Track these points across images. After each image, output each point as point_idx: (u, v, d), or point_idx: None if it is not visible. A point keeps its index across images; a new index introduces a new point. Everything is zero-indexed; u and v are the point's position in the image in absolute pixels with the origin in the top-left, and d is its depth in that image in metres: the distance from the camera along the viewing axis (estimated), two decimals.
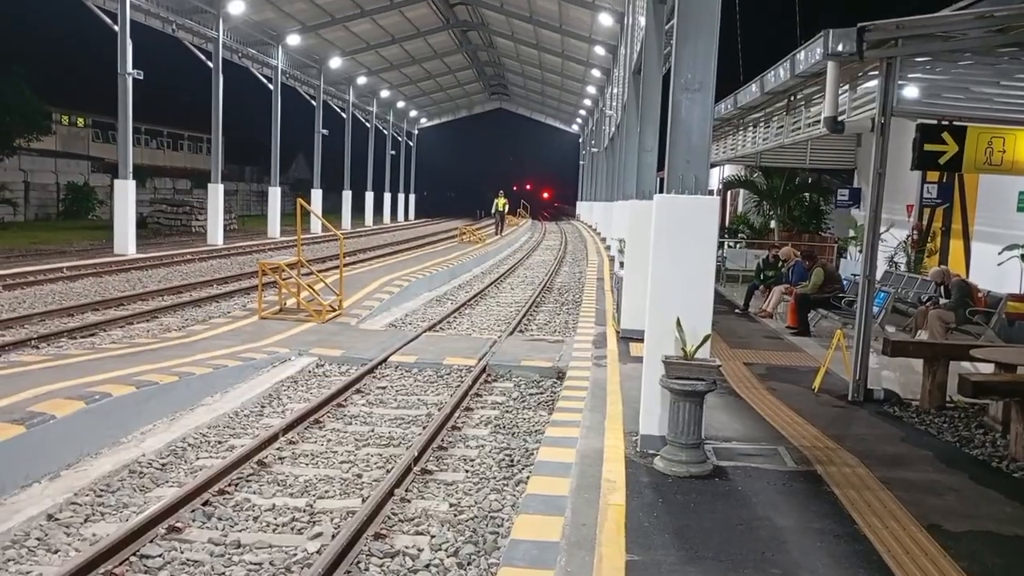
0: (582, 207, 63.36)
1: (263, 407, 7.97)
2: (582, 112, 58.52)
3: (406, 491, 5.83)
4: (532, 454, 6.59)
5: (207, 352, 9.26)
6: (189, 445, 6.80)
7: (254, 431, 7.23)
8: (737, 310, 13.82)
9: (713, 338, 5.87)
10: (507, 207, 34.28)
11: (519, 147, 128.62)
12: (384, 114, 52.03)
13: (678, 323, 5.73)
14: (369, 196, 48.50)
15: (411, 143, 61.82)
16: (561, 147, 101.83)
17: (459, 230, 32.68)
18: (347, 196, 42.61)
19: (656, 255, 5.90)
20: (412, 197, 61.99)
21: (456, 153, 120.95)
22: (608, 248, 27.41)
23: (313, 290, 12.59)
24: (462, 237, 31.07)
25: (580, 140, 69.85)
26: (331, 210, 45.28)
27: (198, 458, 6.51)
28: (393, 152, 53.80)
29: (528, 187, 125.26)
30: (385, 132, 53.14)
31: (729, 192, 28.31)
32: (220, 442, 6.90)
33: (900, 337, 9.52)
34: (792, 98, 12.41)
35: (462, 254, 23.72)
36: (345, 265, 18.83)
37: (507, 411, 8.04)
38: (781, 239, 19.50)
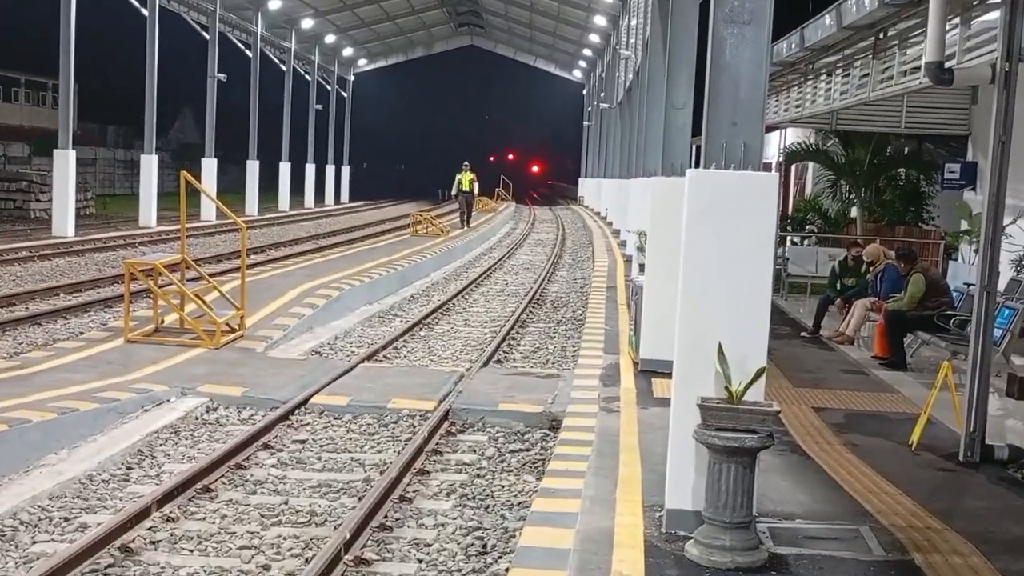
0: (586, 186, 63.74)
1: (130, 469, 7.92)
2: (587, 52, 58.83)
3: None
4: (513, 536, 6.59)
5: (50, 390, 9.18)
6: (22, 523, 6.73)
7: (116, 503, 7.16)
8: (804, 333, 13.92)
9: (770, 373, 5.89)
10: (476, 185, 33.84)
11: (498, 101, 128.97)
12: (307, 52, 52.11)
13: (720, 351, 5.75)
14: (284, 169, 48.57)
15: (345, 93, 61.96)
16: (557, 101, 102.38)
17: (412, 218, 32.74)
18: (253, 168, 42.59)
19: (689, 255, 5.93)
20: (346, 170, 62.15)
21: (409, 109, 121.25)
22: (623, 245, 27.56)
23: (203, 302, 12.56)
24: (416, 228, 31.17)
25: (584, 92, 70.33)
26: (231, 188, 45.25)
27: (35, 542, 6.45)
28: (319, 106, 53.90)
29: (510, 157, 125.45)
30: (308, 78, 53.15)
31: (793, 167, 28.53)
32: (67, 519, 6.85)
33: None
34: (881, 35, 12.55)
35: (416, 251, 23.82)
36: (251, 267, 18.77)
37: (478, 475, 8.05)
38: (866, 233, 19.67)
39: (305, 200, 52.82)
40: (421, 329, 15.02)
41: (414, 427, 9.23)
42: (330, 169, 58.81)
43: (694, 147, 13.66)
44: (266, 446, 8.59)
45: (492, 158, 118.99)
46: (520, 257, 28.30)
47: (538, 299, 18.84)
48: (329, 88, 57.60)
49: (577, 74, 70.13)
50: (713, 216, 5.94)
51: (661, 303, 10.24)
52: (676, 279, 6.05)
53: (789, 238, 21.22)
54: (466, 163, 33.17)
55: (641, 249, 12.78)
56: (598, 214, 47.67)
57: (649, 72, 17.54)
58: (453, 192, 33.53)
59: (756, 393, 5.72)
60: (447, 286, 20.66)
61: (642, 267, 11.94)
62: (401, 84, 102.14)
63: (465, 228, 32.21)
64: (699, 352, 5.87)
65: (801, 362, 11.83)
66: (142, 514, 6.70)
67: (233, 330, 12.50)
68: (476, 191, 34.59)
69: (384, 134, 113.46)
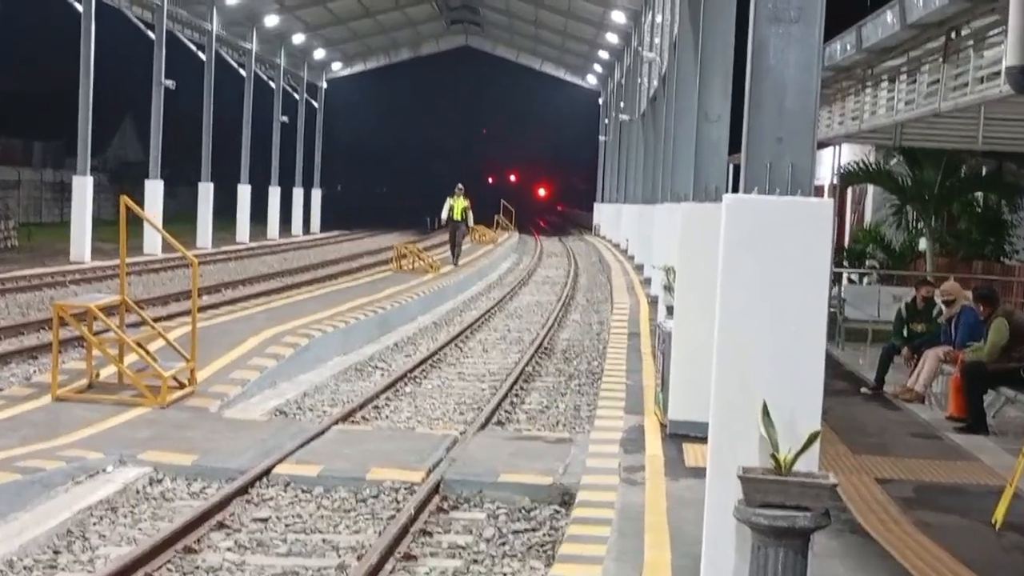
0: (603, 213, 63.95)
1: (57, 553, 7.89)
2: (603, 54, 59.27)
3: None
4: None
5: None
6: None
7: None
8: (865, 389, 13.92)
9: (825, 437, 5.87)
10: (470, 215, 33.44)
11: (498, 112, 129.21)
12: (271, 55, 52.46)
13: (765, 412, 5.75)
14: (244, 192, 48.73)
15: (316, 103, 62.31)
16: (568, 112, 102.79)
17: (396, 251, 32.75)
18: (207, 192, 42.81)
19: (726, 295, 5.98)
20: (317, 194, 62.39)
21: (391, 122, 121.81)
22: (647, 283, 27.56)
23: (146, 352, 12.56)
24: (400, 263, 31.26)
25: (601, 101, 70.67)
26: (181, 215, 45.26)
27: None
28: (285, 119, 54.18)
29: (513, 179, 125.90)
30: (272, 85, 53.47)
31: (850, 190, 28.63)
32: None
33: None
34: (953, 35, 12.62)
35: (400, 291, 23.86)
36: (203, 309, 18.73)
37: (475, 560, 8.02)
38: (937, 269, 19.70)
39: (268, 230, 52.94)
40: (406, 384, 14.97)
41: (398, 502, 9.18)
42: (298, 192, 58.97)
43: (731, 167, 13.85)
44: (221, 525, 8.54)
45: (491, 179, 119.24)
46: (524, 298, 28.39)
47: (546, 348, 18.83)
48: (297, 97, 57.97)
49: (591, 80, 70.54)
50: (755, 250, 5.97)
51: (694, 353, 10.22)
52: (711, 324, 6.09)
53: (846, 275, 21.27)
54: (459, 186, 32.85)
55: (669, 288, 12.74)
56: (617, 246, 47.94)
57: (678, 78, 17.69)
58: (443, 217, 33.07)
59: (809, 462, 5.70)
60: (437, 332, 20.67)
61: (670, 310, 12.03)
62: (382, 92, 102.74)
63: (454, 266, 32.03)
64: (739, 412, 5.86)
65: (862, 424, 11.78)
66: None
67: (182, 385, 12.47)
68: (470, 221, 34.36)
69: (362, 151, 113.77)
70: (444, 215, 32.87)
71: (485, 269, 34.46)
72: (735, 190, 6.21)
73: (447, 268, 30.86)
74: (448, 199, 32.78)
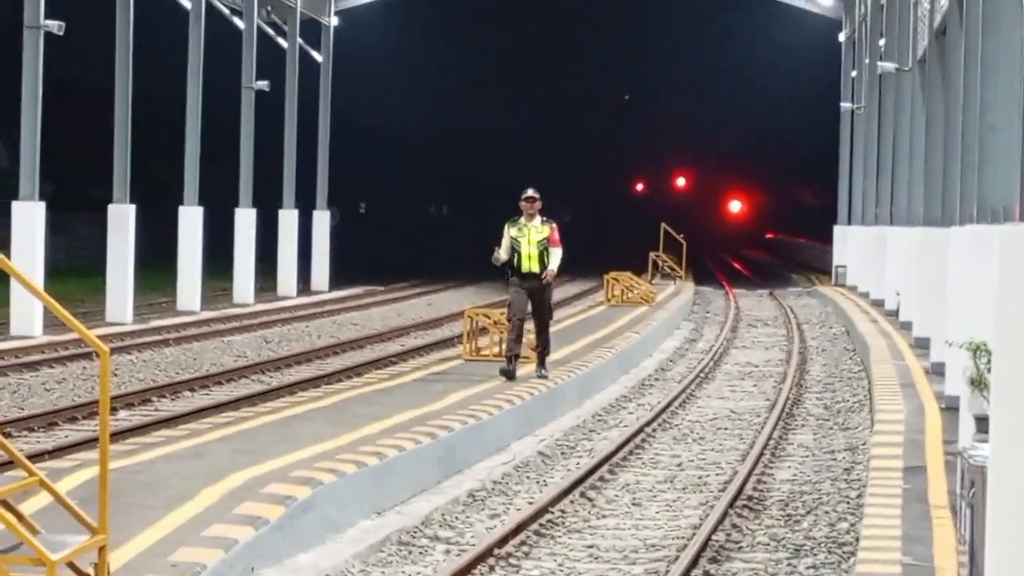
0: (850, 244, 61.10)
1: None
2: None
3: None
4: None
5: None
6: None
7: None
8: None
9: None
10: (556, 258, 26.91)
11: (651, 65, 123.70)
12: None
13: None
14: (188, 219, 46.37)
15: (318, 56, 60.81)
16: (781, 59, 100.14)
17: (467, 322, 31.00)
18: (122, 219, 40.77)
19: None
20: (324, 220, 60.29)
21: (457, 89, 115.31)
22: (935, 372, 26.62)
23: (14, 517, 11.28)
24: (476, 343, 29.65)
25: (843, 38, 68.65)
26: (77, 261, 41.99)
27: None
28: (264, 84, 52.49)
29: (680, 184, 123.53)
30: (238, 25, 51.65)
31: None
32: None
33: None
34: None
35: (476, 395, 23.27)
36: (121, 435, 18.89)
37: None
38: None
39: (236, 285, 50.81)
40: (493, 572, 14.45)
41: None
42: (288, 217, 56.57)
43: None
44: None
45: (640, 185, 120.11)
46: (708, 404, 27.83)
47: (750, 497, 18.32)
48: (284, 45, 56.36)
49: (825, 1, 68.17)
50: None
51: None
52: None
53: None
54: (530, 194, 26.76)
55: (979, 384, 13.28)
56: (878, 305, 46.72)
57: None
58: (508, 274, 26.65)
59: None
60: (547, 468, 20.11)
61: (982, 422, 12.30)
62: (438, 35, 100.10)
63: (506, 375, 26.03)
64: None
65: None
66: None
67: None
68: (552, 269, 27.15)
69: (403, 143, 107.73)
70: (511, 262, 26.34)
71: (632, 351, 33.69)
72: None
73: (529, 369, 26.68)
74: (507, 227, 26.80)
